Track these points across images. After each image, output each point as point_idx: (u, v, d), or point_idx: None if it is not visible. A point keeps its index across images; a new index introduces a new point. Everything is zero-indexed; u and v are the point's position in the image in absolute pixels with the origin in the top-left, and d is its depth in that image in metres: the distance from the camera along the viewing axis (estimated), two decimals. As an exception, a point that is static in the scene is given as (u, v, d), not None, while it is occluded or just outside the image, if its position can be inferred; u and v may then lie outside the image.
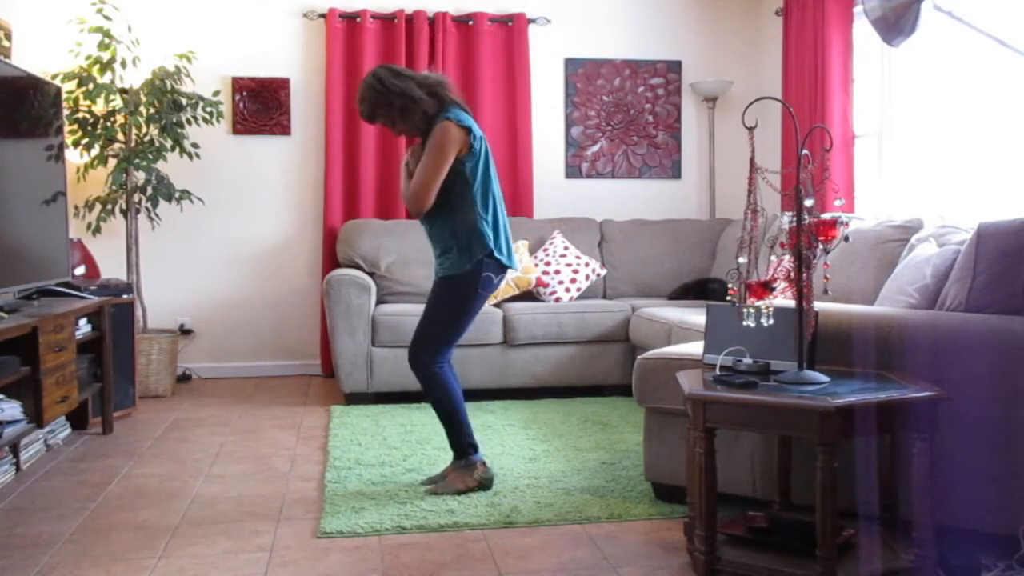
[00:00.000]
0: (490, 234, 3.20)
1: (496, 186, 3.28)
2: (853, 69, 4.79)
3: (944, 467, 2.44)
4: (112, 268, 5.15)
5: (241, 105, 5.49)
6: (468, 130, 3.16)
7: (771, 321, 2.38)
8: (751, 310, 2.39)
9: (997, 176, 3.94)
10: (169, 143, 5.03)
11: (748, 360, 2.47)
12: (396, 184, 5.54)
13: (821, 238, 2.32)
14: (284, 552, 2.64)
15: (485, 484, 3.22)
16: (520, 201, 5.68)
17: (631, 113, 5.96)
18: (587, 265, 5.28)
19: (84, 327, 4.02)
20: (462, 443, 3.26)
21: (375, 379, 4.70)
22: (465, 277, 3.19)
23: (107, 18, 4.89)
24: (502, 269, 3.26)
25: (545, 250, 5.31)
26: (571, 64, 5.89)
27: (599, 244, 5.58)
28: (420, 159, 3.17)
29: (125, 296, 4.47)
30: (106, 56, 4.88)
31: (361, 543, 2.71)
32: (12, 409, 3.29)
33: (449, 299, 3.24)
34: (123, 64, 4.93)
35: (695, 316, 4.23)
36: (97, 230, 4.95)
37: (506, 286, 5.08)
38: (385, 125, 3.29)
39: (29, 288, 3.90)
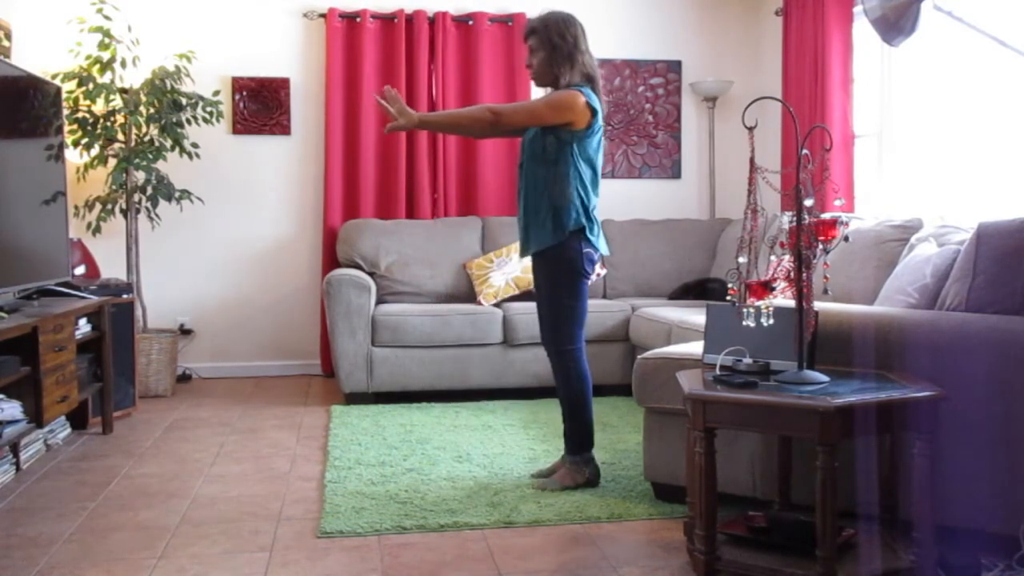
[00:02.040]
0: (584, 212, 3.20)
1: (598, 176, 3.30)
2: (853, 69, 4.79)
3: (944, 467, 2.44)
4: (112, 268, 5.15)
5: (241, 105, 5.49)
6: (594, 110, 3.19)
7: (771, 321, 2.38)
8: (751, 310, 2.39)
9: (997, 176, 3.94)
10: (169, 143, 5.03)
11: (748, 360, 2.47)
12: (396, 184, 5.54)
13: (821, 238, 2.32)
14: (284, 552, 2.64)
15: (593, 481, 3.23)
16: (520, 201, 5.67)
17: (631, 113, 5.96)
18: (587, 265, 5.27)
19: (84, 327, 4.02)
20: (582, 439, 3.27)
21: (375, 379, 4.70)
22: (559, 250, 3.20)
23: (107, 18, 4.89)
24: (595, 251, 3.27)
25: (545, 250, 5.30)
26: (571, 64, 5.88)
27: (599, 244, 5.58)
28: None
29: (125, 296, 4.47)
30: (106, 56, 4.88)
31: (361, 543, 2.71)
32: (12, 409, 3.29)
33: (556, 275, 3.23)
34: (123, 64, 4.93)
35: (695, 316, 4.23)
36: (97, 230, 4.95)
37: (506, 286, 5.08)
38: (531, 49, 3.31)
39: (29, 288, 3.90)
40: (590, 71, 3.27)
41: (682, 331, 4.15)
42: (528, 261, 5.15)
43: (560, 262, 3.21)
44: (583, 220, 3.19)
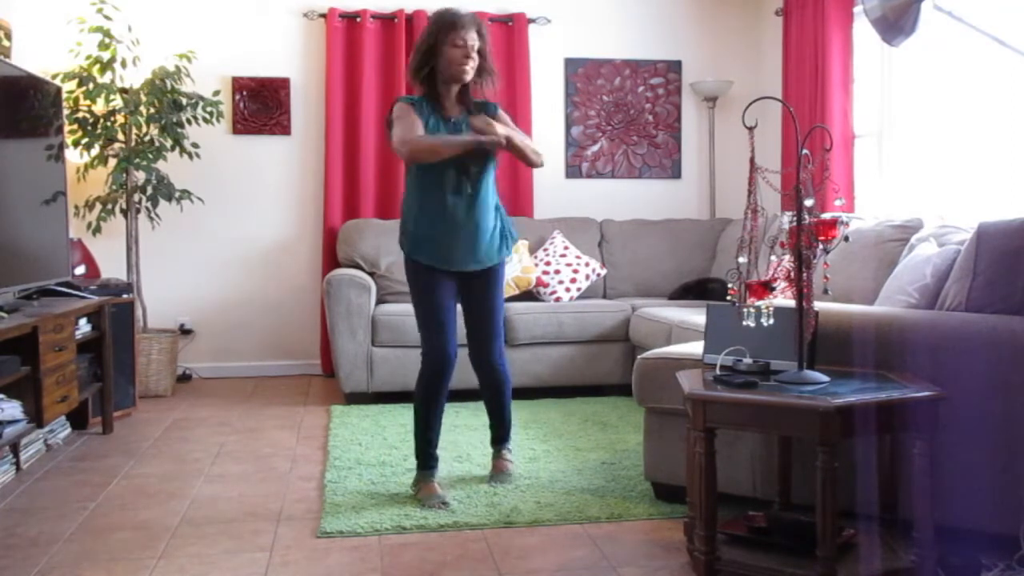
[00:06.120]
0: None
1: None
2: (853, 69, 4.79)
3: (944, 467, 2.45)
4: (112, 268, 5.15)
5: (241, 105, 5.49)
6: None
7: (771, 321, 2.38)
8: (751, 310, 2.39)
9: (997, 176, 3.94)
10: (169, 143, 5.03)
11: (748, 360, 2.47)
12: (396, 184, 5.54)
13: (821, 238, 2.32)
14: (284, 552, 2.64)
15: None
16: (520, 201, 5.67)
17: (631, 113, 5.96)
18: (587, 265, 5.28)
19: (84, 327, 4.02)
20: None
21: (375, 379, 4.70)
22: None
23: (107, 18, 4.89)
24: None
25: (545, 250, 5.31)
26: (571, 64, 5.89)
27: (599, 244, 5.58)
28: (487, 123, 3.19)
29: (125, 296, 4.47)
30: (106, 56, 4.88)
31: (361, 543, 2.71)
32: (12, 409, 3.29)
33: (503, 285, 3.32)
34: (123, 64, 4.93)
35: (695, 316, 4.23)
36: (97, 230, 4.95)
37: (506, 286, 5.08)
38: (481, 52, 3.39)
39: (29, 288, 3.90)
40: (415, 74, 3.31)
41: (682, 331, 4.15)
42: (528, 261, 5.18)
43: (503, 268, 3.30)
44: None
